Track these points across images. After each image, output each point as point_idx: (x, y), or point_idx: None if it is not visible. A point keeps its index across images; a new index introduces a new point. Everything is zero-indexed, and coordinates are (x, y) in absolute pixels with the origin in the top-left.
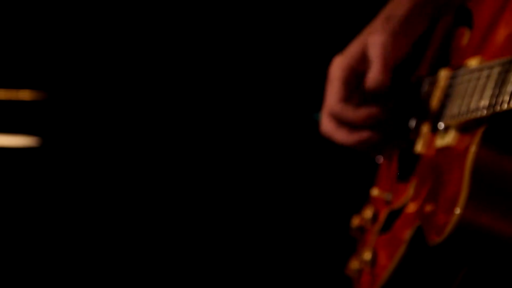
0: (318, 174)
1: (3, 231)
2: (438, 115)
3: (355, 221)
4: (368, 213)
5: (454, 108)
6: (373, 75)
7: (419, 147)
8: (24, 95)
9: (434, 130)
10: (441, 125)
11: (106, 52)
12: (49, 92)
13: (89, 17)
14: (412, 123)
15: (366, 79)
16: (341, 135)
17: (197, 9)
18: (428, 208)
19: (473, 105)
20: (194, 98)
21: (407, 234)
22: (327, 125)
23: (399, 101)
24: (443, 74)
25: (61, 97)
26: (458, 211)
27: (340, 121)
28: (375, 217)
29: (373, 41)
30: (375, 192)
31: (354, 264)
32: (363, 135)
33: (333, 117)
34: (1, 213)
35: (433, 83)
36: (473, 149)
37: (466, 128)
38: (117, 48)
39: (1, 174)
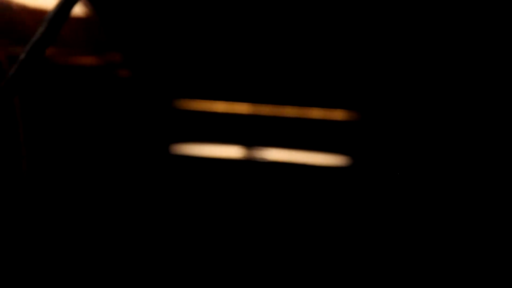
0: None
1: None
2: None
3: None
4: None
5: None
6: None
7: None
8: (338, 114)
9: None
10: None
11: (416, 71)
12: (363, 112)
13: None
14: None
15: None
16: None
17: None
18: None
19: None
20: None
21: None
22: None
23: None
24: None
25: (374, 118)
26: None
27: None
28: None
29: None
30: None
31: None
32: None
33: None
34: (282, 223)
35: None
36: None
37: None
38: (429, 66)
39: (312, 191)
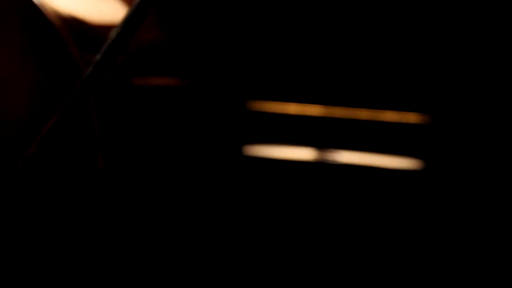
0: None
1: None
2: None
3: None
4: None
5: None
6: None
7: None
8: (412, 117)
9: None
10: None
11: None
12: (437, 116)
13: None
14: None
15: None
16: None
17: None
18: None
19: None
20: None
21: None
22: None
23: None
24: None
25: (448, 122)
26: None
27: None
28: None
29: None
30: None
31: None
32: None
33: None
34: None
35: None
36: None
37: None
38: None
39: (384, 194)
